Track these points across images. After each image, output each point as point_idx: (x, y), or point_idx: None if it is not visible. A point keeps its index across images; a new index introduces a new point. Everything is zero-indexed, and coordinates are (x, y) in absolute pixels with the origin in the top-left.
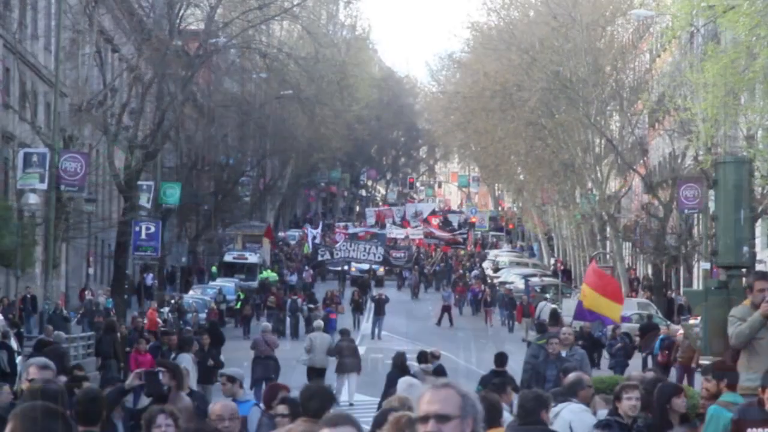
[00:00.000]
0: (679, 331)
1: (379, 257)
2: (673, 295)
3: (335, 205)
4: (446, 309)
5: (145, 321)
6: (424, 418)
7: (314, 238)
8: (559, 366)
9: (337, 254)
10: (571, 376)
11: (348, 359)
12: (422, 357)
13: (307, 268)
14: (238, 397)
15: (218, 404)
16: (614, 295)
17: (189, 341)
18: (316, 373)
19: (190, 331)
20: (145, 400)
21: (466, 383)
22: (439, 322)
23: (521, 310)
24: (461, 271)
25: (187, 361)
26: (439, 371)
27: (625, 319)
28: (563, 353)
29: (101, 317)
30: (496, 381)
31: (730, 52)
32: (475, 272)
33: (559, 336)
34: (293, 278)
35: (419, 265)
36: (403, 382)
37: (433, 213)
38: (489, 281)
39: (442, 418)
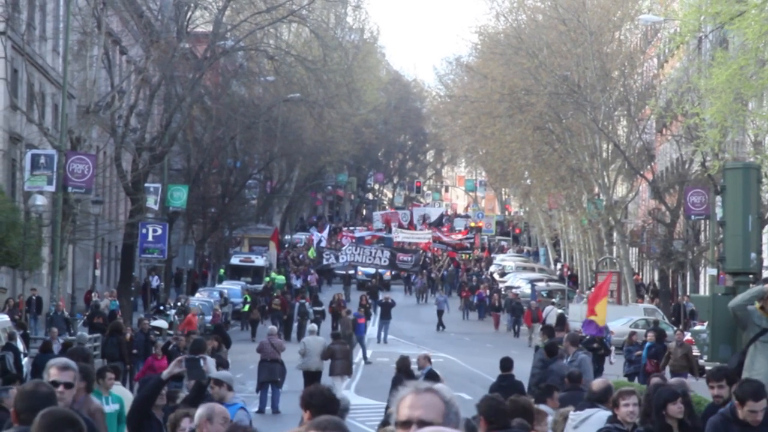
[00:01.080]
0: (673, 339)
1: (385, 261)
2: (684, 301)
3: (342, 209)
4: (439, 314)
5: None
6: (406, 423)
7: (320, 241)
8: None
9: (342, 258)
10: (600, 383)
11: (340, 362)
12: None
13: (311, 271)
14: (227, 400)
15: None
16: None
17: (203, 343)
18: (311, 376)
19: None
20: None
21: (471, 387)
22: (443, 327)
23: (530, 315)
24: (467, 276)
25: (211, 363)
26: (432, 375)
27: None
28: (566, 359)
29: (101, 318)
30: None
31: (740, 58)
32: (485, 276)
33: (562, 342)
34: (299, 282)
35: (427, 269)
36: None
37: (440, 223)
38: (497, 286)
39: (424, 425)
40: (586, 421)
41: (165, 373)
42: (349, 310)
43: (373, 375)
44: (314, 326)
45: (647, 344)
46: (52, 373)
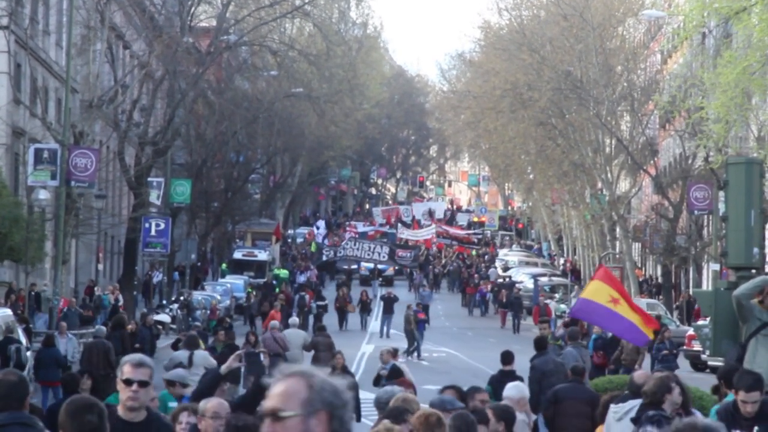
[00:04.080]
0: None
1: (384, 256)
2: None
3: (345, 204)
4: (424, 309)
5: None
6: (261, 416)
7: (324, 236)
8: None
9: (340, 253)
10: (641, 375)
11: (323, 354)
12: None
13: (311, 267)
14: (185, 394)
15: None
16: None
17: (195, 339)
18: None
19: (198, 327)
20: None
21: (473, 381)
22: (426, 323)
23: (538, 312)
24: (467, 272)
25: (205, 358)
26: (395, 372)
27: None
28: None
29: (90, 311)
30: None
31: (750, 56)
32: (492, 271)
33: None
34: (303, 277)
35: (431, 264)
36: (513, 387)
37: (444, 217)
38: (505, 282)
39: (275, 417)
40: (630, 412)
41: (224, 368)
42: (410, 305)
43: (375, 370)
44: (296, 320)
45: (593, 336)
46: (125, 370)
